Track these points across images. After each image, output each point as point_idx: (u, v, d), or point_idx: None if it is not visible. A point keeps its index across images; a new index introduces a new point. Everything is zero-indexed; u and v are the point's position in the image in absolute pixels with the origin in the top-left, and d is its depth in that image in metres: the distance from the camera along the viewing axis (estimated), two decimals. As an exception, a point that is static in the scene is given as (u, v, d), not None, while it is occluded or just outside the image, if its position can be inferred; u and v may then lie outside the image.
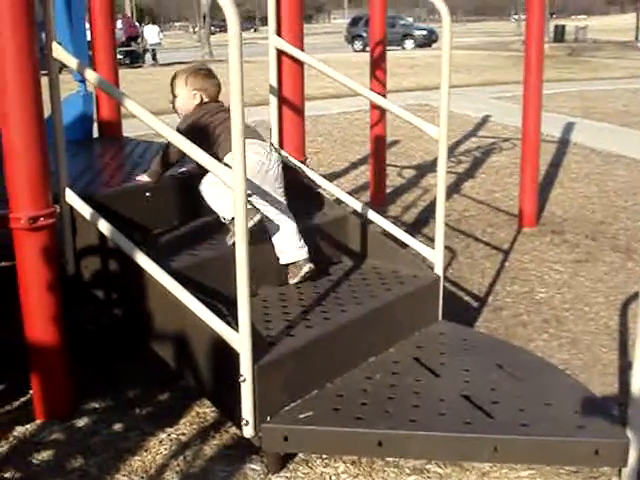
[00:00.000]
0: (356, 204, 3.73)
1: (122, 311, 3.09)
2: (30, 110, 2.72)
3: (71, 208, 3.01)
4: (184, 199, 3.38)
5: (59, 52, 2.85)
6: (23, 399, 3.24)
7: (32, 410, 3.06)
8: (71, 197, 2.98)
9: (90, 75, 2.82)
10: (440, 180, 3.32)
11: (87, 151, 4.43)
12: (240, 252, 2.40)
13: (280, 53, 3.77)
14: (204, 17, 33.11)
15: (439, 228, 3.38)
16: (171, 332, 2.84)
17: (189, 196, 3.35)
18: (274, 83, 3.75)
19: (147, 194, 3.28)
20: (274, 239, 3.22)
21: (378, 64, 6.47)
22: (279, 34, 3.75)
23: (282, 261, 3.25)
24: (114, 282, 3.01)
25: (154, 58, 28.44)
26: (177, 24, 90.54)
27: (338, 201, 3.85)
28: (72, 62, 2.87)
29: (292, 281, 3.28)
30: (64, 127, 3.03)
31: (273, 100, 3.79)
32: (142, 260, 2.76)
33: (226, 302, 2.83)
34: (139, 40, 27.87)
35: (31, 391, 3.10)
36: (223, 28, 74.81)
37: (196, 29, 55.14)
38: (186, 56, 32.64)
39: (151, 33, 29.07)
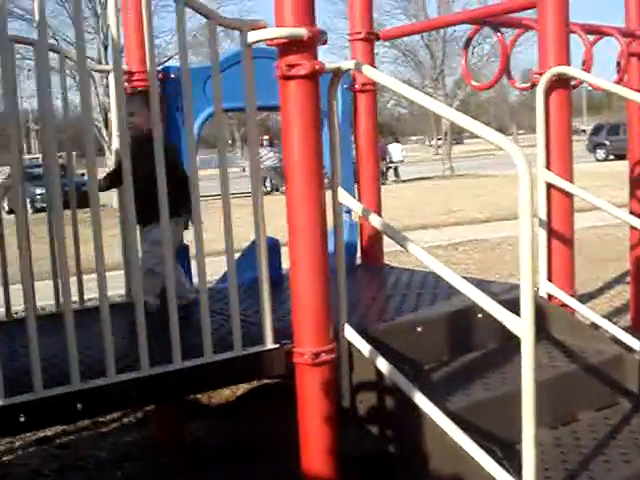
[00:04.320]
0: (629, 338, 3.53)
1: (395, 447, 3.10)
2: (316, 246, 2.83)
3: (349, 343, 3.11)
4: (454, 333, 3.40)
5: (344, 196, 3.02)
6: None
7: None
8: (350, 333, 3.08)
9: (374, 220, 2.95)
10: None
11: (354, 281, 4.53)
12: (527, 398, 2.35)
13: (549, 186, 3.75)
14: (445, 134, 34.17)
15: None
16: (445, 474, 2.80)
17: (459, 330, 3.36)
18: (543, 216, 3.72)
19: (418, 328, 3.33)
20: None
21: (638, 181, 6.20)
22: (548, 167, 3.74)
23: None
24: (389, 418, 3.05)
25: (396, 174, 29.46)
26: (413, 137, 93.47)
27: (595, 325, 3.70)
28: (357, 207, 3.03)
29: None
30: (329, 256, 3.02)
31: (542, 234, 3.74)
32: (419, 399, 2.78)
33: (503, 447, 2.76)
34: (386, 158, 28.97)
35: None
36: (457, 141, 76.57)
37: (432, 142, 56.49)
38: (427, 170, 33.50)
39: (395, 151, 30.27)
